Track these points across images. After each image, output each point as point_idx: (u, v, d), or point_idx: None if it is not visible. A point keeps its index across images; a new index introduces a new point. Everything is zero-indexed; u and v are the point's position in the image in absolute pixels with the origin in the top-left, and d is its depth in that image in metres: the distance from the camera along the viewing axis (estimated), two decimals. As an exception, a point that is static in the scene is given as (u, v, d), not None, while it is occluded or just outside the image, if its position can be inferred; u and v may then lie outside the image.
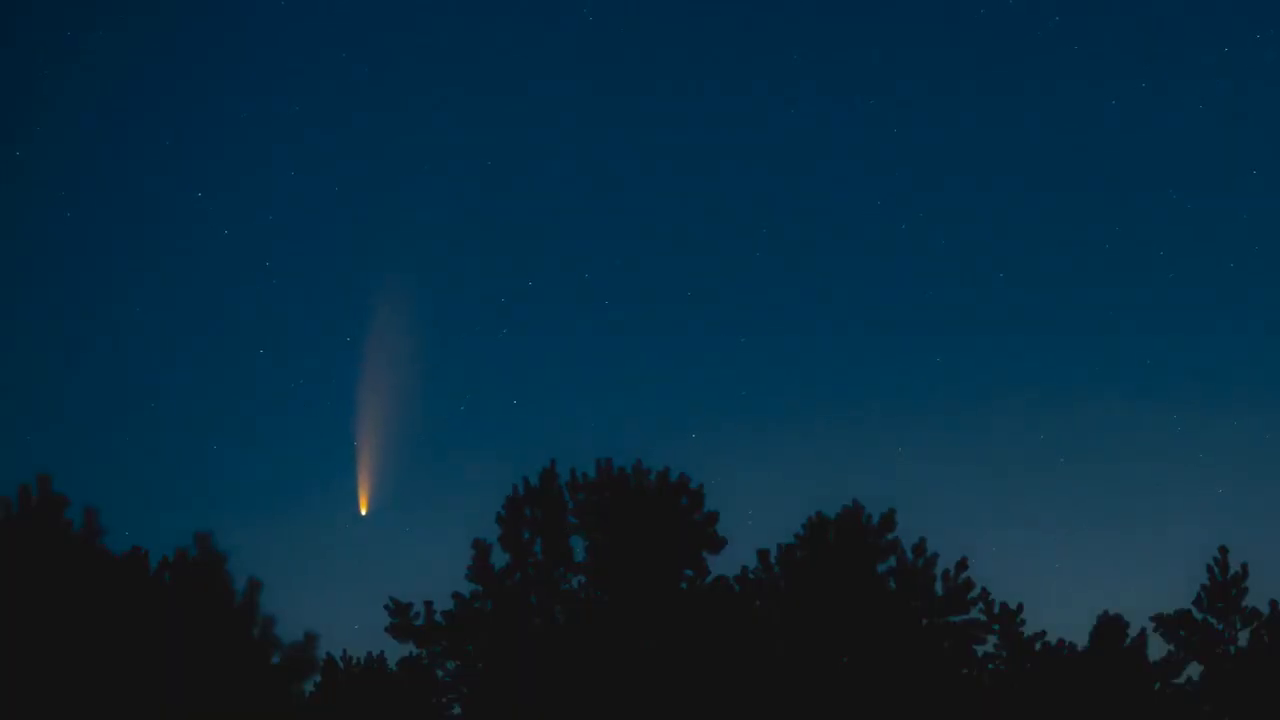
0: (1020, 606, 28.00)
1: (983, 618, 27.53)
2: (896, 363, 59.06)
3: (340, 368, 54.82)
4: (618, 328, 59.65)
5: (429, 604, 27.83)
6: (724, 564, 27.66)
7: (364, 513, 44.13)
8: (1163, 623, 28.46)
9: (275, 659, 18.72)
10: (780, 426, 57.94)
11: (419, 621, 27.79)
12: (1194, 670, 28.46)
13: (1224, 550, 28.67)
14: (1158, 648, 28.37)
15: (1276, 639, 27.91)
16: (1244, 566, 28.56)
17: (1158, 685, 28.17)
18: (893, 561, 27.06)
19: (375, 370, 48.84)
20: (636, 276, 59.73)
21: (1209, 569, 28.63)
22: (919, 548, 27.03)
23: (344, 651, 30.66)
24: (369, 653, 30.59)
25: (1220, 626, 28.40)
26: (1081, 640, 28.34)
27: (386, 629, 28.02)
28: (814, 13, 58.98)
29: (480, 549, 27.76)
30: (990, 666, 27.93)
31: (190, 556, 19.01)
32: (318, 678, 30.28)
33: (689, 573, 27.51)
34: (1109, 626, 28.27)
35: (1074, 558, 52.53)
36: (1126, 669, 27.93)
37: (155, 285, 59.20)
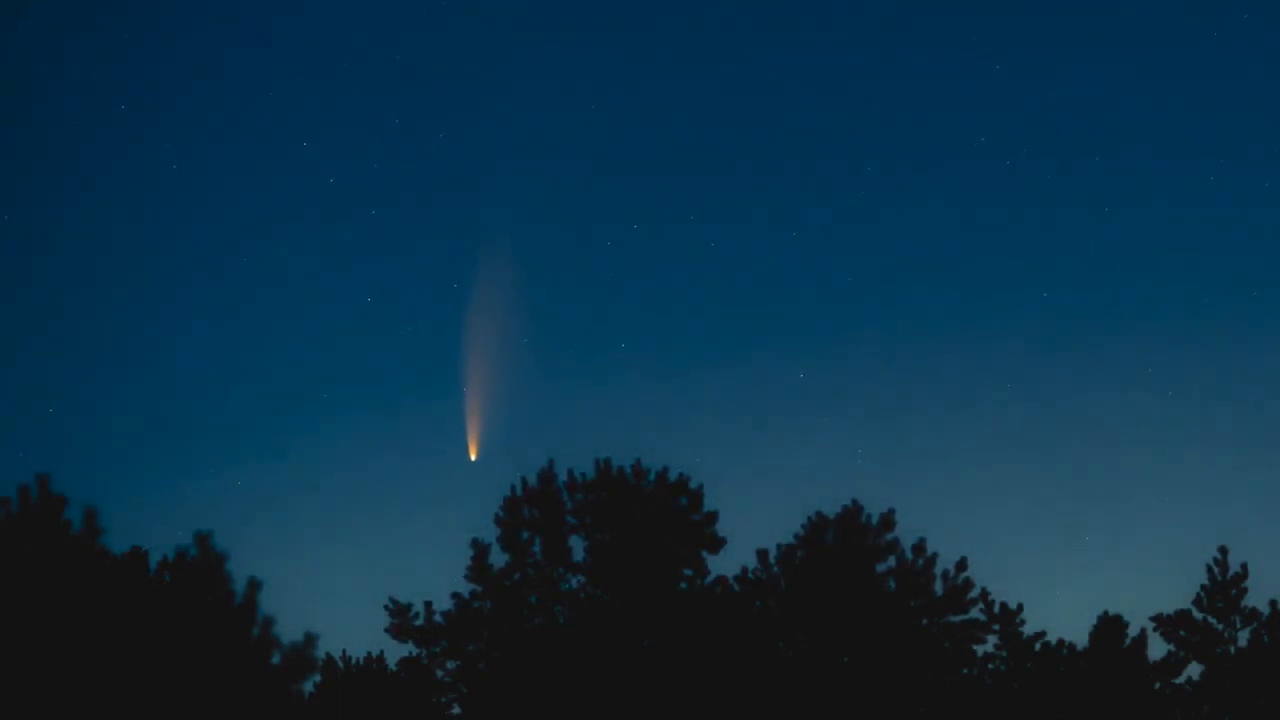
0: (1020, 606, 28.01)
1: (983, 618, 27.54)
2: (896, 362, 59.08)
3: (447, 313, 54.90)
4: (617, 328, 59.72)
5: (429, 604, 27.84)
6: (724, 564, 27.69)
7: (473, 458, 43.88)
8: (1163, 623, 28.44)
9: (275, 659, 18.71)
10: (780, 426, 57.95)
11: (419, 621, 27.79)
12: (1194, 670, 28.47)
13: (1224, 550, 28.68)
14: (1158, 648, 28.40)
15: (1276, 639, 27.90)
16: (1244, 566, 28.56)
17: (1158, 685, 28.17)
18: (893, 561, 27.08)
19: (482, 315, 48.63)
20: (634, 276, 59.77)
21: (1209, 569, 28.61)
22: (919, 548, 27.04)
23: (344, 651, 30.68)
24: (369, 653, 30.61)
25: (1220, 626, 28.39)
26: (1081, 640, 28.37)
27: (386, 629, 28.03)
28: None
29: (479, 549, 27.76)
30: (990, 666, 27.93)
31: (190, 556, 19.00)
32: (318, 678, 30.29)
33: (688, 572, 27.51)
34: (1109, 626, 28.28)
35: (1074, 558, 52.52)
36: (1126, 669, 27.93)
37: (256, 238, 59.32)
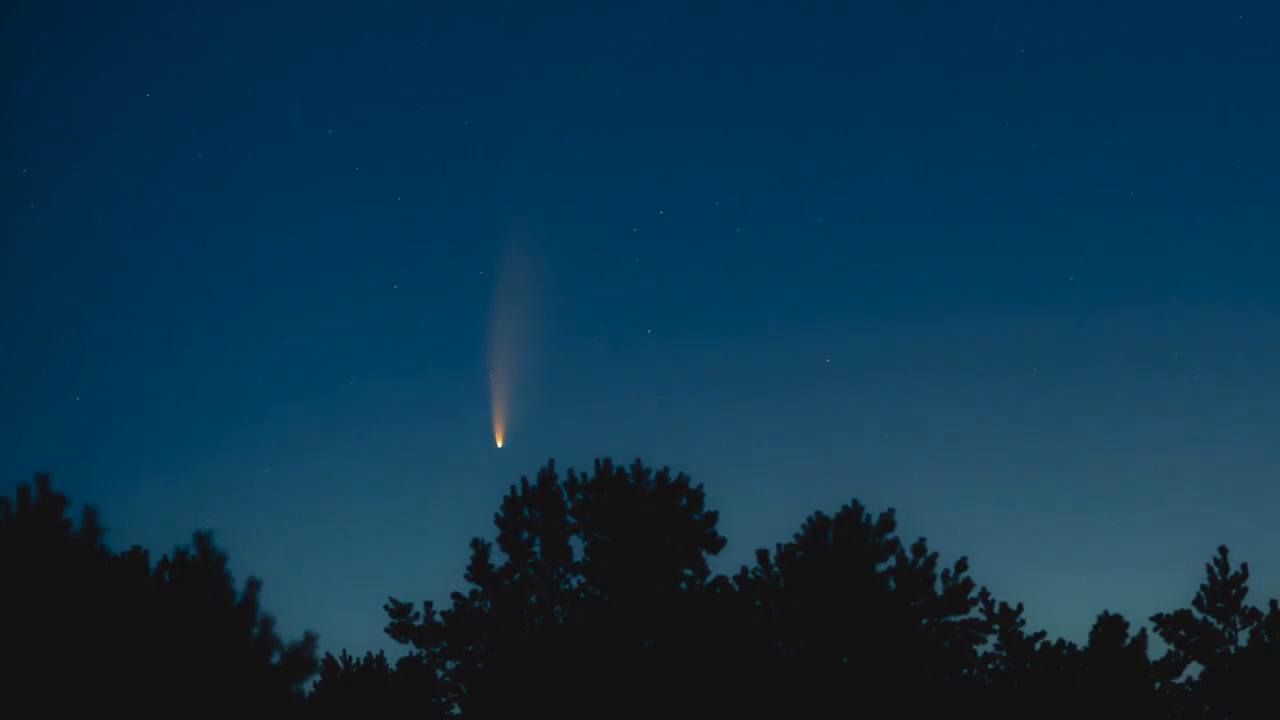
0: (1020, 606, 28.03)
1: (983, 618, 27.55)
2: (896, 362, 59.06)
3: (472, 300, 54.88)
4: (616, 328, 59.67)
5: (429, 604, 27.86)
6: (724, 564, 27.69)
7: (500, 445, 43.77)
8: (1163, 623, 28.45)
9: (275, 659, 18.69)
10: (780, 426, 57.93)
11: (419, 621, 27.80)
12: (1194, 670, 28.48)
13: (1224, 550, 28.67)
14: (1158, 648, 28.40)
15: (1276, 639, 27.90)
16: (1244, 566, 28.55)
17: (1158, 685, 28.17)
18: (893, 561, 27.07)
19: (508, 303, 48.50)
20: (633, 278, 59.72)
21: (1209, 569, 28.61)
22: (919, 548, 27.02)
23: (344, 651, 30.71)
24: (369, 653, 30.63)
25: (1220, 626, 28.39)
26: (1081, 640, 28.37)
27: (386, 629, 28.04)
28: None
29: (479, 549, 27.77)
30: (990, 666, 27.93)
31: (190, 556, 18.98)
32: (318, 678, 30.29)
33: (688, 572, 27.51)
34: (1109, 626, 28.28)
35: (1074, 557, 52.54)
36: (1126, 669, 27.94)
37: (276, 229, 59.26)
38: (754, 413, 58.26)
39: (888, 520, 27.09)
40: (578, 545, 27.73)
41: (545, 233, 54.24)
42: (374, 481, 59.11)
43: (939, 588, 26.99)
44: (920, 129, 59.24)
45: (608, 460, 27.80)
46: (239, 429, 59.61)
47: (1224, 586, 28.44)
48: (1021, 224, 59.29)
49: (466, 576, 27.81)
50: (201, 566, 18.57)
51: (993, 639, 27.78)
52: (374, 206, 58.20)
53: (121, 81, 58.27)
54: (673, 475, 27.67)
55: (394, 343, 59.94)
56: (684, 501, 27.59)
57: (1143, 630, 28.29)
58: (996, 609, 27.79)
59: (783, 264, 59.39)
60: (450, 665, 28.15)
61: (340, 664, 30.53)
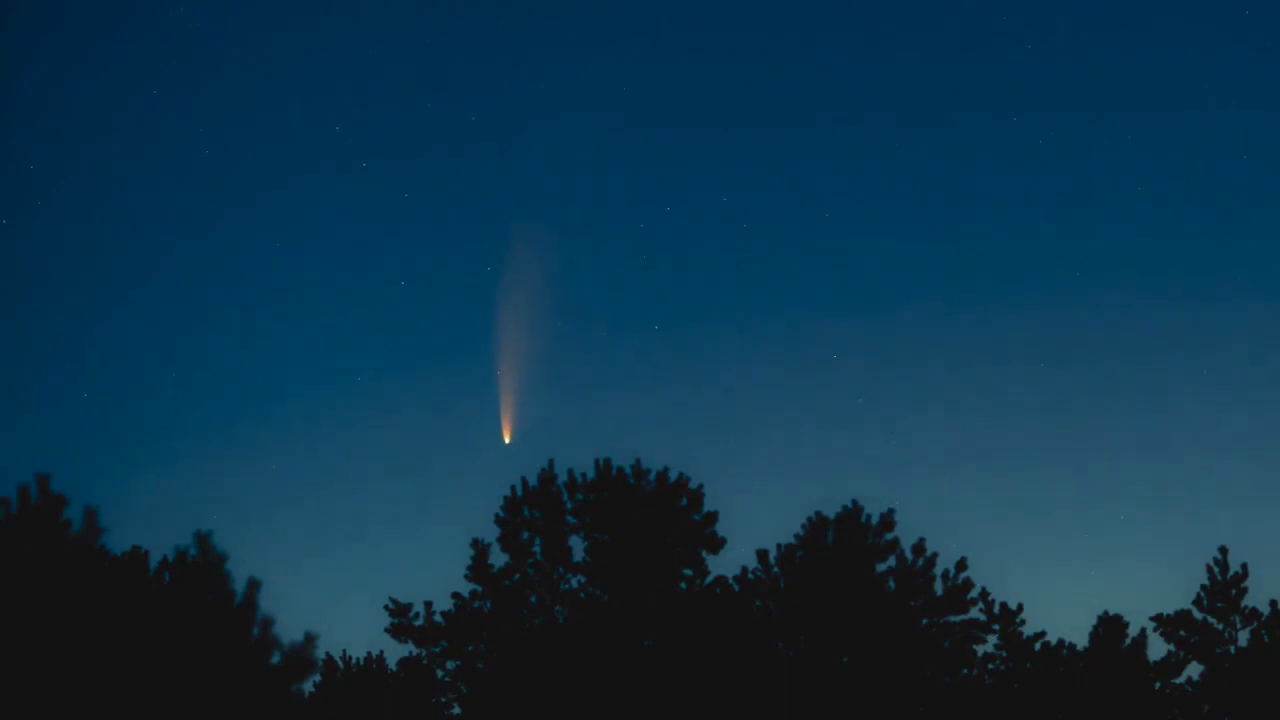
0: (1020, 606, 28.04)
1: (983, 618, 27.56)
2: (895, 362, 59.06)
3: (479, 297, 54.83)
4: (622, 324, 59.70)
5: (429, 604, 27.87)
6: (724, 564, 27.70)
7: (507, 441, 43.74)
8: (1163, 623, 28.46)
9: (275, 659, 18.69)
10: (780, 426, 57.94)
11: (419, 621, 27.81)
12: (1194, 670, 28.48)
13: (1224, 550, 28.69)
14: (1158, 648, 28.42)
15: (1276, 639, 27.90)
16: (1244, 566, 28.57)
17: (1158, 685, 28.18)
18: (892, 561, 27.07)
19: (515, 299, 48.44)
20: (640, 274, 59.73)
21: (1209, 569, 28.63)
22: (919, 548, 27.03)
23: (344, 651, 30.72)
24: (369, 653, 30.64)
25: (1220, 626, 28.39)
26: (1081, 640, 28.39)
27: (386, 629, 28.04)
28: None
29: (479, 549, 27.78)
30: (990, 666, 27.94)
31: (190, 556, 18.99)
32: (318, 678, 30.30)
33: (688, 572, 27.51)
34: (1109, 626, 28.29)
35: (1074, 557, 52.54)
36: (1126, 669, 27.94)
37: (282, 227, 59.13)
38: (755, 410, 58.32)
39: (888, 520, 27.09)
40: (578, 545, 27.75)
41: (552, 229, 54.30)
42: (378, 480, 59.10)
43: (939, 588, 26.99)
44: (926, 126, 59.32)
45: (608, 460, 27.82)
46: (241, 428, 59.65)
47: (1224, 586, 28.45)
48: (1024, 222, 59.33)
49: (466, 576, 27.82)
50: (201, 566, 18.57)
51: (993, 639, 27.81)
52: (380, 203, 58.21)
53: (123, 80, 58.36)
54: (673, 475, 27.67)
55: (400, 340, 60.02)
56: (684, 501, 27.59)
57: (1143, 630, 28.31)
58: (996, 609, 27.80)
59: (788, 262, 59.46)
60: (450, 665, 28.16)
61: (340, 664, 30.53)
